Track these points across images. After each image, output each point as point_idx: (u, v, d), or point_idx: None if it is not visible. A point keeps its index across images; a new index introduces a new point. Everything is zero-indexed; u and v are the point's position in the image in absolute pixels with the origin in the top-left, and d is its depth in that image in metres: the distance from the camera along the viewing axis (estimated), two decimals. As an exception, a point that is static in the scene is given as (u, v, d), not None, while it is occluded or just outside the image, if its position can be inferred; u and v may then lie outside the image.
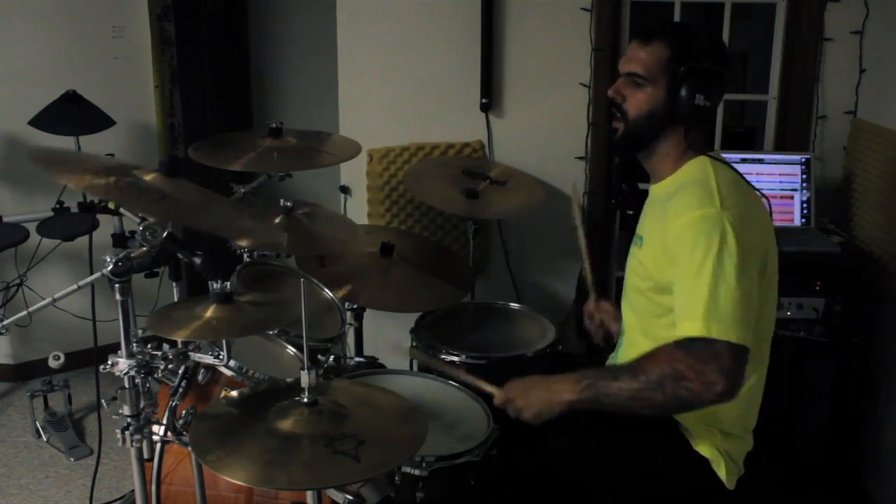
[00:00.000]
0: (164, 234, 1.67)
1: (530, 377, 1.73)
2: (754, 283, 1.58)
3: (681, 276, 1.58)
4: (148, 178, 1.66)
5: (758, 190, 1.76)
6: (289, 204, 2.37)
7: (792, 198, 2.71)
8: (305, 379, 1.48)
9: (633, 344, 1.81)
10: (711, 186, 1.63)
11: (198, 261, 1.71)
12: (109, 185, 1.58)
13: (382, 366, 2.27)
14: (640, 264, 1.74)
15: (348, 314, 2.46)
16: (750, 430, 1.79)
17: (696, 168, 1.71)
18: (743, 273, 1.54)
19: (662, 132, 1.73)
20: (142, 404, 1.70)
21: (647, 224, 1.78)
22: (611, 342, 2.06)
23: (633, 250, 1.82)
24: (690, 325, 1.53)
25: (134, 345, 1.68)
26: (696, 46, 1.70)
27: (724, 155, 1.83)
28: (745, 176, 1.78)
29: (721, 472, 1.72)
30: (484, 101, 2.98)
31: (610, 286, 3.09)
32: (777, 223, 1.75)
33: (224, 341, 1.76)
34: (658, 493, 1.74)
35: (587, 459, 1.77)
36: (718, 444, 1.72)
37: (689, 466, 1.73)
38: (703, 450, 1.72)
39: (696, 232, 1.57)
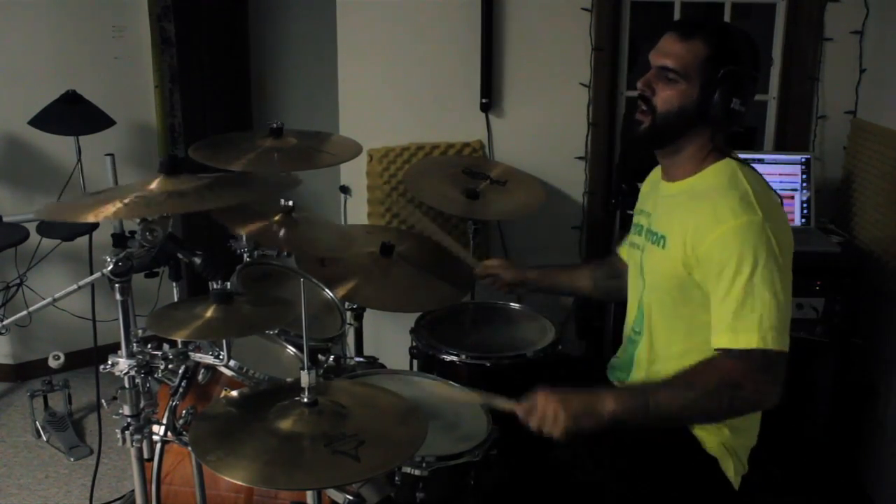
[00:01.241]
0: (165, 234, 1.67)
1: (560, 388, 1.59)
2: (790, 287, 1.61)
3: (726, 287, 1.58)
4: (152, 186, 1.66)
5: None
6: (289, 204, 2.37)
7: (792, 198, 2.72)
8: (305, 379, 1.48)
9: (656, 340, 1.81)
10: (748, 192, 1.62)
11: (198, 261, 1.71)
12: (119, 209, 1.58)
13: (382, 366, 2.27)
14: (667, 263, 1.72)
15: (348, 314, 2.45)
16: (757, 423, 1.80)
17: (725, 171, 1.70)
18: (786, 280, 1.58)
19: (689, 131, 1.71)
20: (142, 404, 1.70)
21: (670, 224, 1.74)
22: (513, 289, 2.22)
23: (653, 249, 1.79)
24: (747, 337, 1.55)
25: (134, 345, 1.68)
26: (736, 48, 1.67)
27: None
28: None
29: (728, 472, 1.73)
30: (484, 101, 2.98)
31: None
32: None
33: (224, 341, 1.76)
34: (665, 493, 1.74)
35: (593, 457, 1.77)
36: (726, 442, 1.73)
37: (697, 465, 1.73)
38: (712, 448, 1.73)
39: (741, 241, 1.57)
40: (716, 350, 1.60)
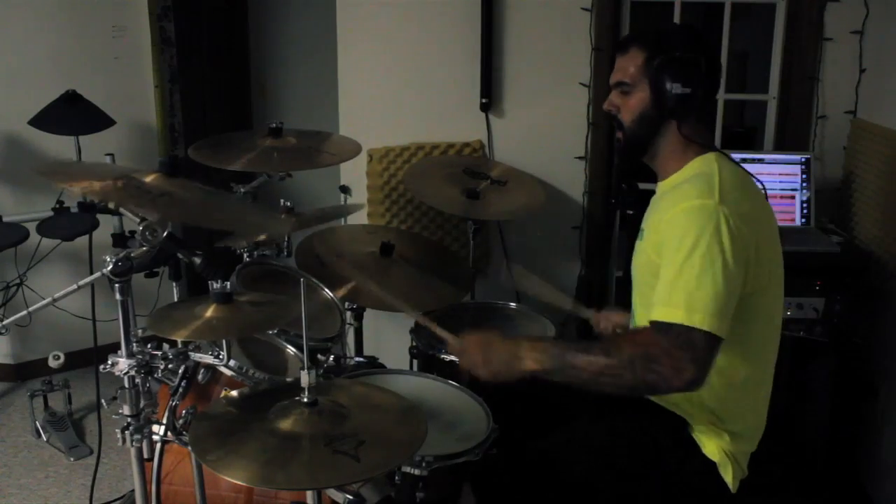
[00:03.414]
0: (164, 234, 1.67)
1: (493, 332, 1.71)
2: (740, 279, 1.58)
3: (668, 261, 1.58)
4: (148, 179, 1.66)
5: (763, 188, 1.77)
6: (289, 204, 2.37)
7: (792, 198, 2.71)
8: (305, 379, 1.48)
9: None
10: (714, 181, 1.63)
11: (198, 261, 1.71)
12: (112, 188, 1.58)
13: (382, 366, 2.27)
14: (644, 256, 1.74)
15: (348, 314, 2.46)
16: (758, 430, 1.79)
17: (703, 163, 1.72)
18: (731, 267, 1.54)
19: (658, 131, 1.74)
20: (142, 404, 1.70)
21: (649, 217, 1.79)
22: None
23: (638, 245, 1.82)
24: (672, 311, 1.53)
25: (134, 345, 1.68)
26: (666, 39, 1.72)
27: (725, 155, 1.83)
28: (746, 176, 1.78)
29: (727, 476, 1.72)
30: (484, 101, 2.98)
31: (610, 286, 3.10)
32: (777, 223, 1.76)
33: (224, 341, 1.76)
34: (662, 495, 1.74)
35: (591, 458, 1.77)
36: (726, 447, 1.72)
37: (695, 469, 1.73)
38: (711, 453, 1.72)
39: (689, 220, 1.58)
40: (649, 322, 1.59)
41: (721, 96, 3.01)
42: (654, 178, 1.86)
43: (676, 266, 1.56)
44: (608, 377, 1.56)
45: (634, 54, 1.73)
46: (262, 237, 2.27)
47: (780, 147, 2.95)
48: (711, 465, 1.72)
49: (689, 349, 1.51)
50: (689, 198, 1.61)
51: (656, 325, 1.55)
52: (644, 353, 1.53)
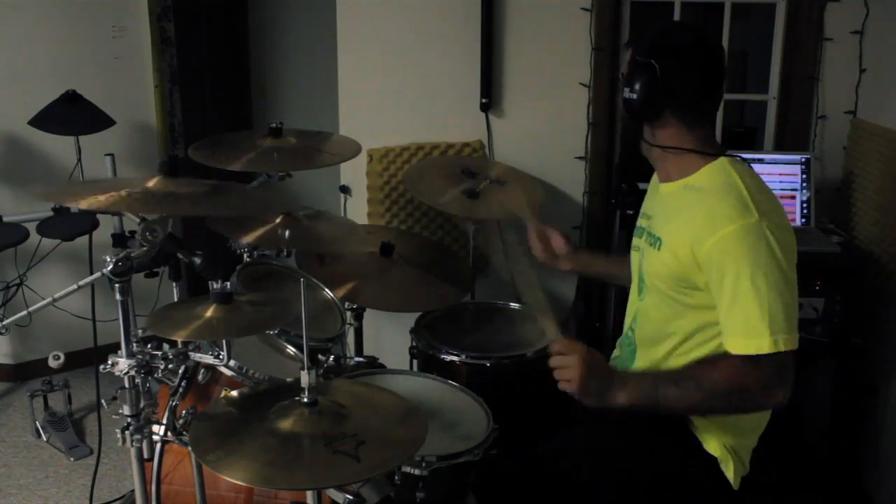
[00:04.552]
0: (164, 234, 1.67)
1: (599, 356, 1.66)
2: (797, 282, 1.62)
3: (730, 292, 1.58)
4: (150, 184, 1.66)
5: None
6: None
7: (792, 198, 2.71)
8: (305, 379, 1.48)
9: (653, 342, 1.80)
10: (743, 193, 1.62)
11: (198, 261, 1.71)
12: (117, 199, 1.58)
13: (382, 366, 2.27)
14: (663, 266, 1.73)
15: (348, 314, 2.45)
16: (761, 424, 1.79)
17: (719, 171, 1.70)
18: (789, 278, 1.58)
19: (655, 121, 1.75)
20: (142, 404, 1.70)
21: (667, 226, 1.75)
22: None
23: (650, 251, 1.79)
24: (758, 342, 1.55)
25: (134, 345, 1.68)
26: (651, 39, 1.74)
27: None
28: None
29: (728, 472, 1.72)
30: (484, 101, 2.98)
31: (609, 286, 3.09)
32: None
33: (224, 341, 1.76)
34: (664, 493, 1.74)
35: (593, 457, 1.77)
36: (728, 443, 1.73)
37: (697, 466, 1.73)
38: (713, 449, 1.73)
39: (740, 244, 1.57)
40: (730, 352, 1.60)
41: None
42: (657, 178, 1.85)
43: (743, 294, 1.57)
44: (703, 409, 1.64)
45: (630, 54, 1.76)
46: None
47: (780, 147, 2.95)
48: (713, 462, 1.72)
49: (780, 374, 1.57)
50: (729, 220, 1.59)
51: (744, 359, 1.57)
52: (738, 387, 1.58)
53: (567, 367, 1.64)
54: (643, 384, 1.64)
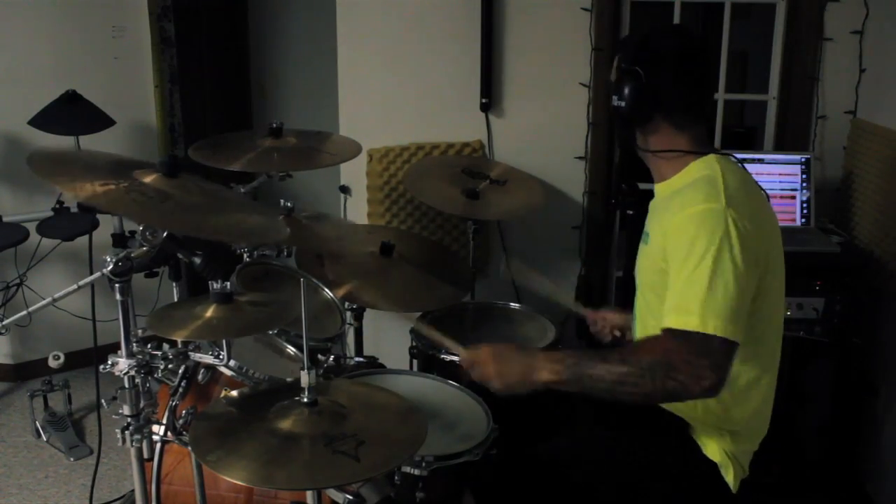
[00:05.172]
0: (164, 234, 1.67)
1: (506, 344, 1.71)
2: (752, 281, 1.58)
3: (679, 267, 1.58)
4: (148, 179, 1.65)
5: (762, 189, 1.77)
6: (289, 204, 2.37)
7: (792, 198, 2.72)
8: (305, 379, 1.48)
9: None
10: (718, 184, 1.62)
11: (198, 261, 1.70)
12: (116, 193, 1.57)
13: (382, 366, 2.27)
14: (650, 261, 1.74)
15: (348, 314, 2.45)
16: (761, 430, 1.79)
17: (704, 166, 1.71)
18: (742, 270, 1.54)
19: (646, 125, 1.75)
20: (142, 404, 1.70)
21: (653, 221, 1.79)
22: (622, 340, 2.09)
23: (643, 248, 1.82)
24: (687, 318, 1.53)
25: (134, 345, 1.68)
26: (632, 43, 1.77)
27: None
28: (746, 176, 1.78)
29: (728, 477, 1.72)
30: (484, 101, 2.98)
31: (610, 286, 3.10)
32: (779, 224, 1.76)
33: (224, 341, 1.76)
34: (664, 496, 1.74)
35: (593, 459, 1.77)
36: (727, 448, 1.72)
37: (696, 470, 1.73)
38: (712, 453, 1.72)
39: (698, 225, 1.57)
40: (662, 329, 1.58)
41: (721, 96, 3.01)
42: (653, 179, 1.86)
43: (688, 272, 1.55)
44: (626, 386, 1.54)
45: (616, 61, 1.78)
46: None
47: (780, 147, 2.95)
48: (713, 466, 1.72)
49: (707, 356, 1.51)
50: (695, 202, 1.60)
51: (672, 333, 1.54)
52: (663, 361, 1.52)
53: (480, 368, 1.68)
54: (569, 360, 1.60)
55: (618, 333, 2.12)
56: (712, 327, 1.51)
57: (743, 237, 1.55)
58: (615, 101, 1.74)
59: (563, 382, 1.59)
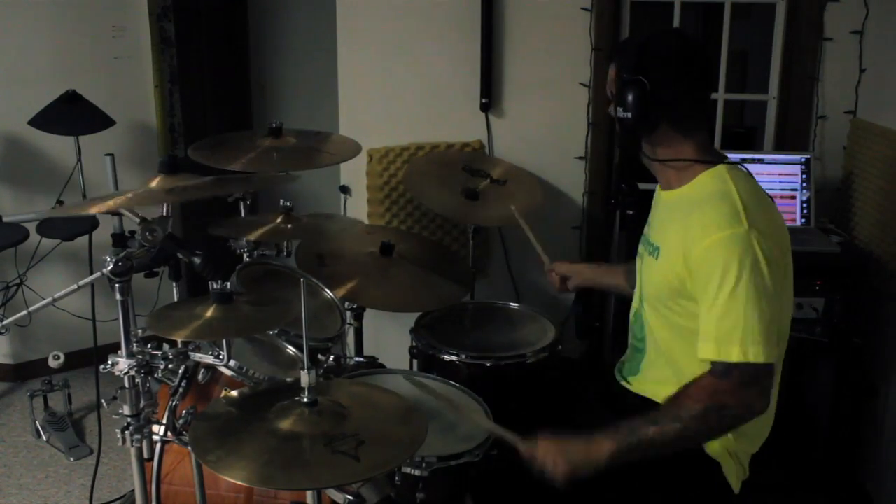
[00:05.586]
0: (164, 234, 1.67)
1: (560, 437, 1.64)
2: (782, 293, 1.61)
3: (712, 298, 1.58)
4: (152, 184, 1.66)
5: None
6: (289, 204, 2.37)
7: (792, 198, 2.71)
8: (305, 379, 1.48)
9: (660, 352, 1.81)
10: (736, 203, 1.62)
11: (198, 261, 1.71)
12: (126, 201, 1.59)
13: (382, 366, 2.27)
14: (661, 277, 1.73)
15: (348, 314, 2.46)
16: (763, 432, 1.79)
17: (716, 178, 1.70)
18: (772, 291, 1.57)
19: (651, 133, 1.74)
20: (142, 404, 1.70)
21: (664, 234, 1.76)
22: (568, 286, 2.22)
23: (649, 260, 1.80)
24: (729, 349, 1.55)
25: (134, 345, 1.68)
26: (629, 48, 1.75)
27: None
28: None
29: (730, 476, 1.73)
30: (484, 101, 2.98)
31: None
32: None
33: (224, 341, 1.76)
34: (664, 495, 1.74)
35: None
36: (729, 446, 1.73)
37: (698, 469, 1.73)
38: (714, 452, 1.73)
39: (726, 253, 1.57)
40: (701, 360, 1.60)
41: (721, 96, 3.01)
42: (653, 178, 1.85)
43: (722, 302, 1.56)
44: (687, 441, 1.60)
45: (612, 70, 1.78)
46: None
47: (780, 147, 2.95)
48: (714, 466, 1.72)
49: (754, 384, 1.56)
50: (719, 227, 1.59)
51: (714, 372, 1.57)
52: (713, 405, 1.56)
53: (545, 465, 1.61)
54: (620, 434, 1.61)
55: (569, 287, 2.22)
56: (753, 355, 1.54)
57: (769, 258, 1.57)
58: (620, 113, 1.71)
59: (625, 453, 1.59)
